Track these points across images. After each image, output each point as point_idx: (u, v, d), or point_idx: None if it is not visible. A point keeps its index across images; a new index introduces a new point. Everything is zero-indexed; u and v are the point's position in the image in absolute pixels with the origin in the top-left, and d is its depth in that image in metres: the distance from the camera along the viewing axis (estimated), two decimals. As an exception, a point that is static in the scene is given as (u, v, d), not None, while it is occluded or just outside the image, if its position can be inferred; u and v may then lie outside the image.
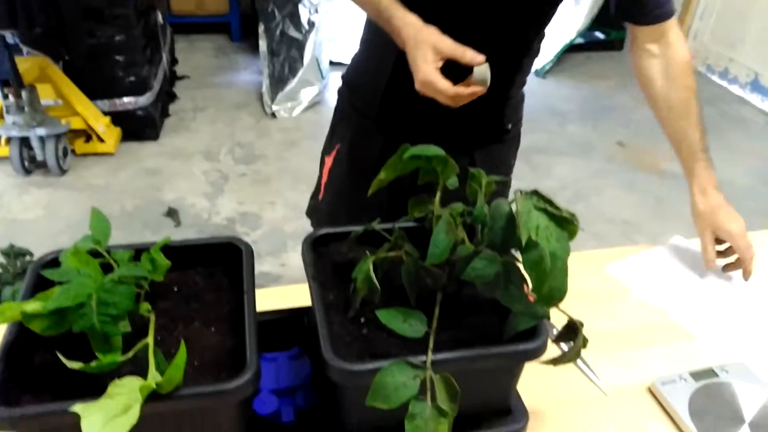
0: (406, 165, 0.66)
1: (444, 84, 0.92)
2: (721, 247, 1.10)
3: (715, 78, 4.45)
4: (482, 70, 0.92)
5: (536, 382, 0.83)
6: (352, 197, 1.26)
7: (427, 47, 0.92)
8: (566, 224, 0.57)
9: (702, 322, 1.01)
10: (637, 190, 3.13)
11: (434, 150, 0.64)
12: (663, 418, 0.83)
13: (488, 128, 1.24)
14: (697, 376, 0.88)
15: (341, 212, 1.31)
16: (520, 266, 0.61)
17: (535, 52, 1.18)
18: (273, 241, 2.64)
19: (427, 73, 0.92)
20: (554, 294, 0.61)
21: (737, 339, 0.98)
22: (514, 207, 0.60)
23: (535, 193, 0.57)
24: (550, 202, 0.56)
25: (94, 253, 0.66)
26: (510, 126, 1.26)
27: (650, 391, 0.87)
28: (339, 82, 1.33)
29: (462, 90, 0.92)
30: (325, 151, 1.35)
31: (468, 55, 0.92)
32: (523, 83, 1.25)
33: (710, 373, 0.89)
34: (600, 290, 1.07)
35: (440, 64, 0.93)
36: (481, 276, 0.59)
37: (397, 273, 0.72)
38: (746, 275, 1.08)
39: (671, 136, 1.16)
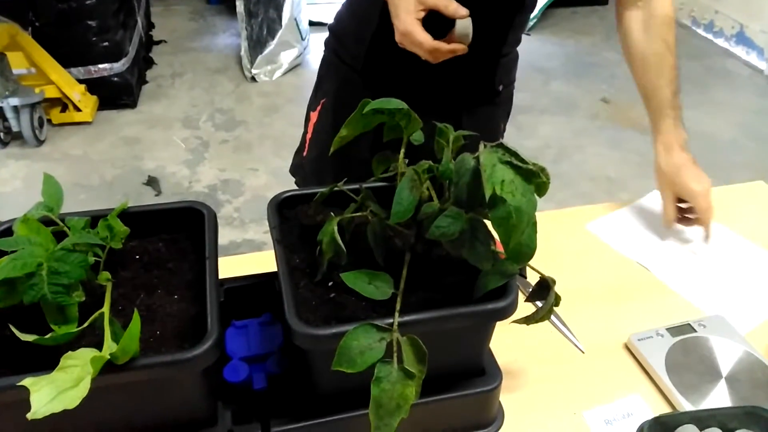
0: (369, 120, 0.63)
1: (423, 35, 0.88)
2: (685, 206, 1.09)
3: (700, 31, 4.41)
4: (464, 24, 0.88)
5: (511, 342, 0.83)
6: (337, 153, 1.22)
7: None
8: (533, 178, 0.54)
9: (680, 276, 1.00)
10: (621, 147, 3.11)
11: (396, 103, 0.61)
12: (640, 375, 0.83)
13: (478, 89, 1.19)
14: (673, 331, 0.87)
15: (326, 169, 1.26)
16: (489, 224, 0.59)
17: (529, 8, 1.13)
18: (256, 208, 2.61)
19: (407, 23, 0.89)
20: (523, 250, 0.60)
21: (715, 293, 0.98)
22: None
23: (500, 146, 0.55)
24: (515, 154, 0.54)
25: (47, 222, 0.63)
26: (501, 88, 1.21)
27: (627, 347, 0.87)
28: (320, 45, 1.28)
29: (441, 45, 0.89)
30: (311, 107, 1.31)
31: (452, 6, 0.88)
32: (518, 41, 1.19)
33: (687, 328, 0.88)
34: (579, 248, 1.06)
35: (422, 14, 0.89)
36: (446, 234, 0.57)
37: (365, 235, 0.70)
38: (705, 238, 1.06)
39: (642, 90, 1.12)
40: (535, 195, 0.56)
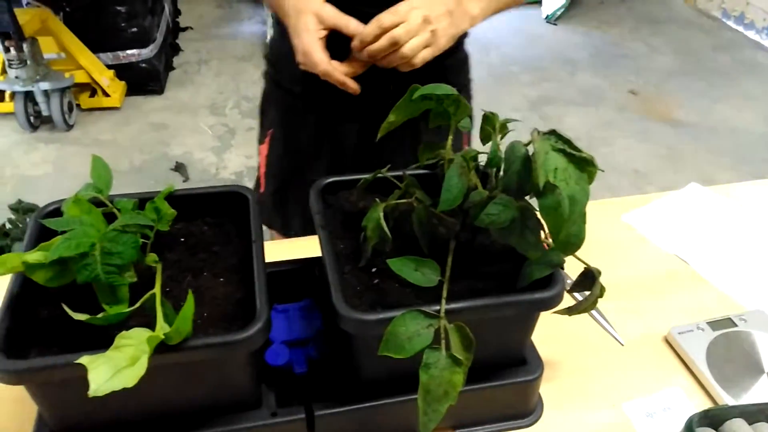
0: (416, 106, 0.62)
1: (319, 56, 0.84)
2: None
3: (730, 23, 4.33)
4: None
5: (551, 333, 0.82)
6: (295, 183, 1.18)
7: (310, 15, 0.84)
8: (586, 166, 0.54)
9: (720, 270, 0.99)
10: (648, 139, 3.08)
11: (445, 89, 0.60)
12: (680, 368, 0.82)
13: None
14: (714, 325, 0.86)
15: (287, 200, 1.22)
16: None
17: None
18: (281, 194, 2.62)
19: (306, 42, 0.84)
20: (572, 240, 0.59)
21: (756, 287, 0.96)
22: (530, 150, 0.57)
23: (553, 133, 0.54)
24: (569, 142, 0.53)
25: (97, 203, 0.64)
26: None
27: (667, 341, 0.86)
28: None
29: (333, 71, 0.85)
30: (259, 140, 1.25)
31: (352, 25, 0.83)
32: (461, 42, 1.11)
33: (728, 322, 0.87)
34: (615, 239, 1.05)
35: (323, 33, 0.85)
36: (496, 222, 0.57)
37: (408, 221, 0.69)
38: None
39: None
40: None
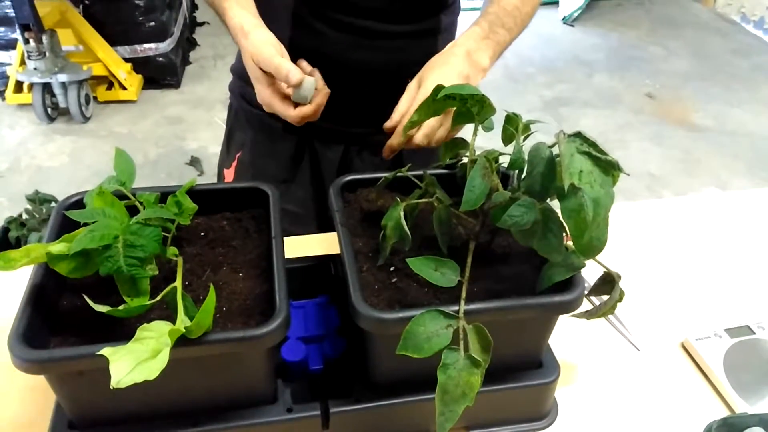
0: (440, 106, 0.62)
1: (280, 107, 0.81)
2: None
3: (749, 27, 4.29)
4: (304, 88, 0.79)
5: (567, 337, 0.82)
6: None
7: (250, 61, 0.80)
8: (610, 169, 0.53)
9: (738, 276, 0.98)
10: (664, 143, 3.05)
11: (470, 89, 0.60)
12: (697, 375, 0.82)
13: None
14: (732, 332, 0.85)
15: None
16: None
17: (455, 8, 1.03)
18: (294, 191, 2.63)
19: (262, 95, 0.81)
20: (594, 244, 0.59)
21: (774, 295, 0.95)
22: (554, 152, 0.57)
23: (579, 135, 0.54)
24: (594, 145, 0.53)
25: (120, 195, 0.64)
26: None
27: (684, 347, 0.85)
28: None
29: (306, 111, 0.81)
30: (223, 164, 1.15)
31: (282, 73, 0.77)
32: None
33: (746, 330, 0.86)
34: (631, 243, 1.04)
35: (271, 79, 0.81)
36: (519, 223, 0.56)
37: (426, 221, 0.69)
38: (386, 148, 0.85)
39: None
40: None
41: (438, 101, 0.62)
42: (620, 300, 0.68)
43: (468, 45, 0.86)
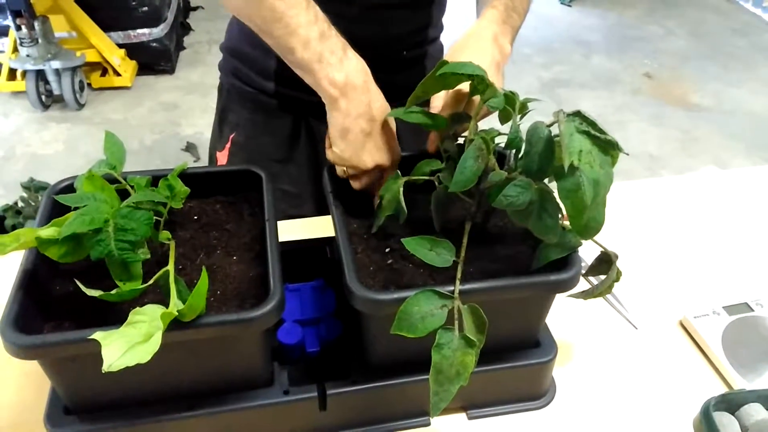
0: (445, 82, 0.61)
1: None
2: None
3: (748, 6, 4.25)
4: None
5: (564, 316, 0.82)
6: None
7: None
8: (610, 149, 0.53)
9: (736, 254, 0.98)
10: (663, 124, 3.04)
11: (473, 68, 0.59)
12: (695, 353, 0.81)
13: (409, 87, 0.76)
14: (730, 309, 0.85)
15: None
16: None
17: None
18: (291, 175, 2.62)
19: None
20: (591, 224, 0.58)
21: (772, 273, 0.95)
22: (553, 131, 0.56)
23: (578, 114, 0.53)
24: (593, 124, 0.52)
25: (110, 179, 0.63)
26: None
27: (682, 325, 0.85)
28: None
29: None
30: (215, 146, 1.11)
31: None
32: (441, 27, 1.05)
33: (744, 307, 0.86)
34: (629, 223, 1.04)
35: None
36: (514, 204, 0.56)
37: (420, 203, 0.69)
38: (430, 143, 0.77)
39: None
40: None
41: (443, 76, 0.61)
42: (617, 280, 0.68)
43: (493, 29, 0.81)
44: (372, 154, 0.70)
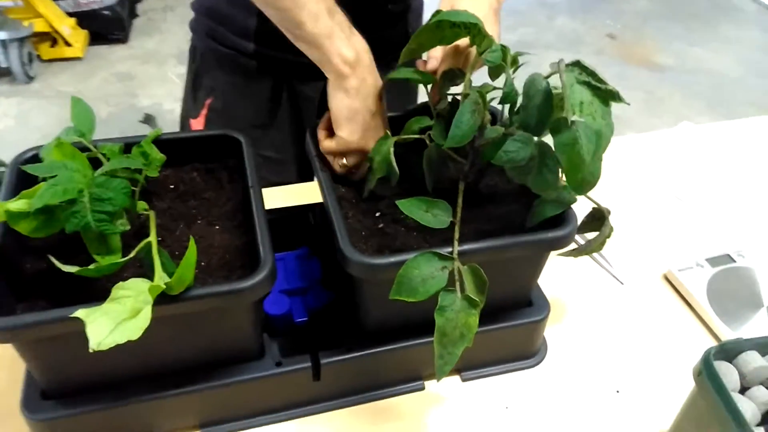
0: (442, 33, 0.59)
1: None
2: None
3: (707, -35, 4.28)
4: None
5: (550, 275, 0.81)
6: None
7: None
8: (610, 100, 0.51)
9: (715, 207, 0.98)
10: (627, 84, 3.05)
11: (469, 16, 0.57)
12: (680, 305, 0.82)
13: (393, 48, 0.74)
14: (713, 261, 0.86)
15: None
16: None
17: None
18: (257, 145, 2.56)
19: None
20: (587, 179, 0.57)
21: (752, 223, 0.96)
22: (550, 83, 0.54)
23: (578, 64, 0.51)
24: (593, 74, 0.50)
25: (80, 147, 0.59)
26: None
27: (667, 278, 0.85)
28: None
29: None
30: (188, 113, 1.04)
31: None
32: None
33: (726, 258, 0.87)
34: (606, 180, 1.03)
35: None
36: (514, 159, 0.54)
37: (410, 164, 0.66)
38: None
39: None
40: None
41: (438, 29, 0.58)
42: (609, 236, 0.67)
43: None
44: (376, 135, 0.67)
